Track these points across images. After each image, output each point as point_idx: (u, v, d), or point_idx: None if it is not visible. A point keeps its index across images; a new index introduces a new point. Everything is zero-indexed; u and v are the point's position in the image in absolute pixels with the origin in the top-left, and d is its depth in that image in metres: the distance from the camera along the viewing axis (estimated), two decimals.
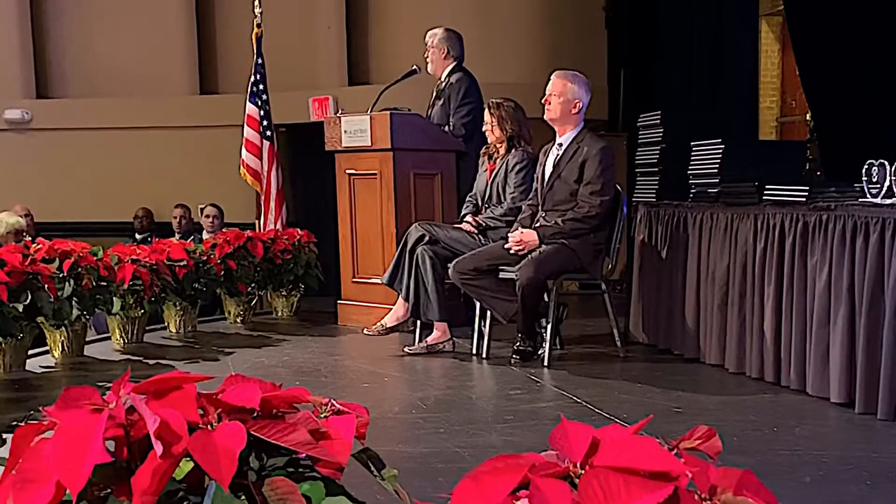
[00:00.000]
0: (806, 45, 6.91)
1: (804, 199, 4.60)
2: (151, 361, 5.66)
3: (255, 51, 8.20)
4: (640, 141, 6.45)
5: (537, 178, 5.65)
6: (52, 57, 10.94)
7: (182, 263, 6.38)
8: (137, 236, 9.89)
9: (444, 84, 6.88)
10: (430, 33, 6.97)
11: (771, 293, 4.72)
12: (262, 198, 8.19)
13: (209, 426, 1.60)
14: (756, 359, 4.86)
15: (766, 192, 4.91)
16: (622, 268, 7.21)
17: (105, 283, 5.69)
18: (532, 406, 4.41)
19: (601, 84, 9.38)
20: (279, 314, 7.63)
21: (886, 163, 4.23)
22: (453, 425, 4.04)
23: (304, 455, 1.67)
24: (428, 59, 6.93)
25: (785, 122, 8.74)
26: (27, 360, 5.46)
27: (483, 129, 6.13)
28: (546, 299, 5.46)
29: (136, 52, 10.70)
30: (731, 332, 5.08)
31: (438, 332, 5.80)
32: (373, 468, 1.80)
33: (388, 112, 6.51)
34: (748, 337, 4.95)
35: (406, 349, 5.79)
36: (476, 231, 5.92)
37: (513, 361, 5.40)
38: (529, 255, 5.31)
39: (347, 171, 6.82)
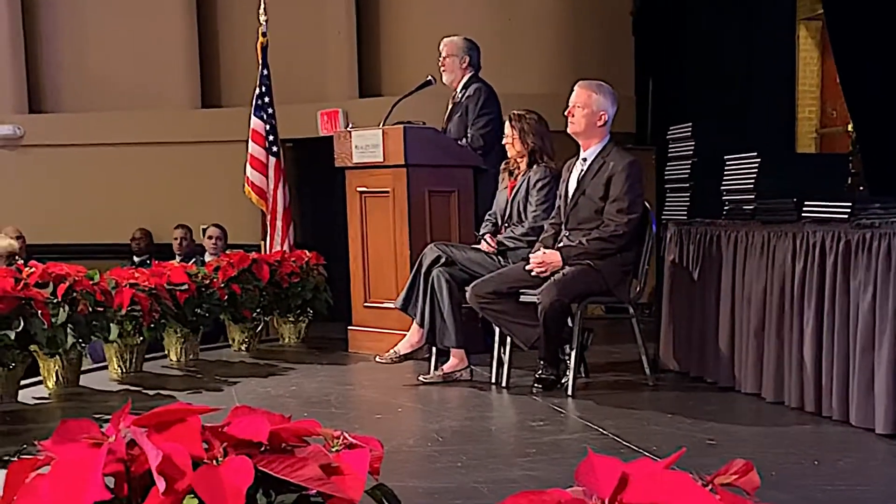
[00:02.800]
0: (847, 51, 6.91)
1: (846, 216, 4.60)
2: (151, 392, 5.68)
3: (260, 61, 8.26)
4: (669, 155, 6.45)
5: (560, 195, 5.66)
6: (45, 69, 11.03)
7: (183, 288, 6.40)
8: (136, 259, 9.93)
9: (460, 96, 6.91)
10: (446, 41, 7.01)
11: (811, 317, 4.71)
12: (268, 217, 8.23)
13: (214, 461, 1.61)
14: (795, 387, 4.85)
15: (805, 209, 4.90)
16: (651, 290, 7.22)
17: (102, 309, 5.72)
18: (555, 438, 4.41)
19: (628, 94, 9.40)
20: (286, 341, 7.64)
21: None
22: (471, 459, 4.04)
23: (314, 491, 1.68)
24: (444, 69, 6.96)
25: (825, 134, 8.72)
26: (19, 391, 5.48)
27: (503, 142, 6.15)
28: (570, 324, 5.46)
29: (134, 63, 10.76)
30: (768, 358, 5.07)
31: (455, 360, 5.81)
32: None
33: (402, 126, 6.54)
34: (787, 364, 4.94)
35: (421, 378, 5.80)
36: (495, 252, 5.93)
37: (535, 391, 5.40)
38: (552, 278, 5.32)
39: (358, 189, 6.85)
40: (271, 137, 8.21)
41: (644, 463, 1.71)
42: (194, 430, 1.66)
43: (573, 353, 5.39)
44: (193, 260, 8.58)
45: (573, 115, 5.49)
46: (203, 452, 1.63)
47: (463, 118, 6.85)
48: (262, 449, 1.71)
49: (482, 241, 6.07)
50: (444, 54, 6.97)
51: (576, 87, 5.55)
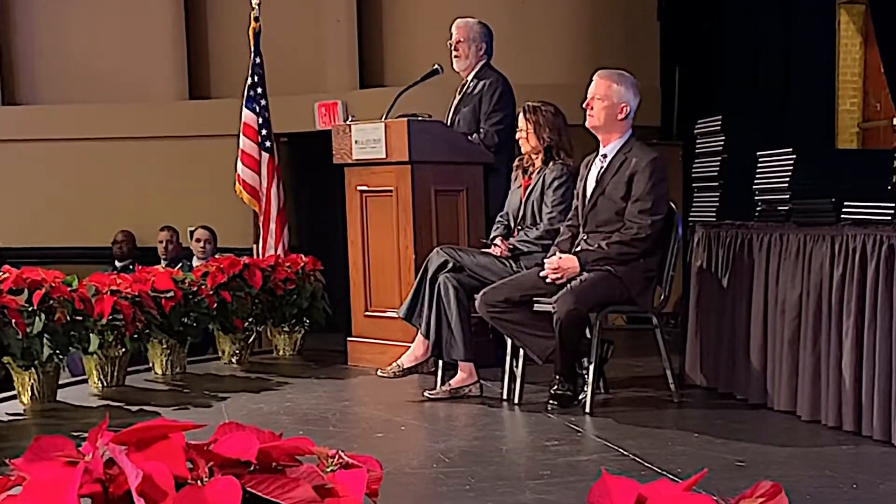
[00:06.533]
0: (893, 37, 6.92)
1: (890, 218, 4.60)
2: (134, 408, 5.70)
3: (252, 49, 8.27)
4: (697, 151, 6.46)
5: (578, 194, 5.67)
6: (19, 57, 11.06)
7: (169, 295, 6.42)
8: (118, 264, 9.96)
9: (473, 86, 6.91)
10: (460, 23, 7.00)
11: (850, 328, 4.71)
12: (261, 219, 8.23)
13: (199, 481, 1.63)
14: (833, 404, 4.85)
15: (844, 210, 4.90)
16: (676, 299, 7.21)
17: (81, 318, 5.74)
18: (572, 460, 4.42)
19: (652, 85, 9.41)
20: (280, 353, 7.66)
21: None
22: (480, 482, 4.05)
23: None
24: (457, 54, 6.95)
25: (868, 128, 8.73)
26: None
27: (516, 136, 6.15)
28: (588, 335, 5.47)
29: (116, 51, 10.79)
30: (803, 373, 5.07)
31: (464, 374, 5.82)
32: None
33: (406, 119, 6.56)
34: (824, 379, 4.93)
35: (426, 394, 5.81)
36: (507, 256, 5.94)
37: (549, 408, 5.41)
38: (569, 285, 5.32)
39: (359, 188, 6.87)
40: (264, 131, 8.21)
41: (663, 484, 1.72)
42: (177, 448, 1.68)
43: (591, 367, 5.39)
44: (180, 265, 8.61)
45: (592, 108, 5.50)
46: (187, 472, 1.65)
47: (475, 111, 6.85)
48: (251, 469, 1.73)
49: (493, 244, 6.07)
50: (456, 38, 6.96)
51: (595, 77, 5.56)
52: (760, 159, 5.70)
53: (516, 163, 6.25)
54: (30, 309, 5.33)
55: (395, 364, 5.98)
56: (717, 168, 6.18)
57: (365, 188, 6.84)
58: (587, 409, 5.30)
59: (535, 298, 5.45)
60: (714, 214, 6.08)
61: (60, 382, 6.10)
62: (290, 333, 7.64)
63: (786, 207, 5.42)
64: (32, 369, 5.64)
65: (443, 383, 5.86)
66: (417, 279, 6.01)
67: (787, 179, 5.43)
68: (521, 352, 5.55)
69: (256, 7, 8.22)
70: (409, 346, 6.01)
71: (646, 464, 4.28)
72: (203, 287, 6.78)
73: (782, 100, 8.06)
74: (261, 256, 7.93)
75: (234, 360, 7.27)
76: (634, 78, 5.59)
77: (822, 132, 7.95)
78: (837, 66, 8.56)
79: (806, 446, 4.64)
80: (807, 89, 8.05)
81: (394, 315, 6.33)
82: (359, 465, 1.84)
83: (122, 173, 10.69)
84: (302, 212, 10.69)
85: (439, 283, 5.83)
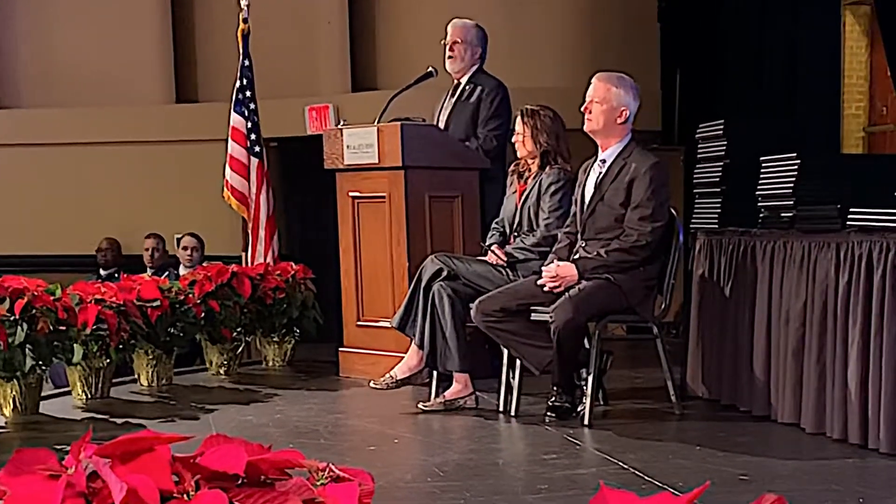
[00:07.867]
0: None
1: None
2: (119, 420, 5.70)
3: (240, 51, 8.27)
4: (699, 156, 6.47)
5: (576, 200, 5.67)
6: (1, 59, 11.05)
7: (155, 304, 6.41)
8: (102, 272, 9.95)
9: (469, 91, 6.91)
10: (458, 23, 6.99)
11: (856, 337, 4.71)
12: (250, 226, 8.24)
13: (185, 495, 1.63)
14: (838, 416, 4.85)
15: (850, 217, 4.91)
16: (678, 308, 7.22)
17: (64, 328, 5.73)
18: (570, 473, 4.42)
19: (653, 88, 9.41)
20: (270, 364, 7.66)
21: None
22: (476, 496, 4.05)
23: None
24: (451, 55, 6.94)
25: (874, 133, 8.74)
26: None
27: (513, 140, 6.16)
28: (587, 346, 5.47)
29: (101, 53, 10.79)
30: (808, 384, 5.07)
31: (459, 386, 5.81)
32: None
33: (399, 123, 6.56)
34: (829, 390, 4.94)
35: (420, 406, 5.80)
36: (503, 264, 5.94)
37: (547, 420, 5.41)
38: (567, 294, 5.32)
39: (351, 194, 6.87)
40: (253, 136, 8.21)
41: (664, 498, 1.72)
42: (163, 461, 1.68)
43: (590, 378, 5.39)
44: (166, 273, 8.60)
45: (591, 112, 5.50)
46: (173, 485, 1.64)
47: (473, 117, 6.84)
48: (239, 482, 1.73)
49: (489, 252, 6.07)
50: (452, 38, 6.94)
51: (594, 80, 5.56)
52: (764, 164, 5.70)
53: (512, 168, 6.25)
54: (11, 318, 5.32)
55: (388, 375, 5.96)
56: (720, 173, 6.18)
57: (357, 194, 6.84)
58: (586, 422, 5.30)
59: (532, 307, 5.45)
60: (716, 221, 6.08)
61: (43, 394, 6.08)
62: (279, 344, 7.63)
63: (790, 214, 5.42)
64: (14, 381, 5.64)
65: (437, 395, 5.86)
66: (411, 288, 6.00)
67: (791, 185, 5.43)
68: (518, 362, 5.55)
69: (245, 8, 8.21)
70: (403, 357, 6.00)
71: (646, 477, 4.27)
72: (190, 296, 6.77)
73: (786, 103, 8.07)
74: (250, 264, 7.93)
75: (222, 371, 7.26)
76: (634, 81, 5.60)
77: (826, 136, 7.95)
78: (843, 69, 8.57)
79: (811, 459, 4.64)
80: (811, 93, 8.06)
81: (387, 325, 6.33)
82: (350, 479, 1.84)
83: (106, 179, 10.68)
84: (292, 218, 10.69)
85: (433, 291, 5.83)
